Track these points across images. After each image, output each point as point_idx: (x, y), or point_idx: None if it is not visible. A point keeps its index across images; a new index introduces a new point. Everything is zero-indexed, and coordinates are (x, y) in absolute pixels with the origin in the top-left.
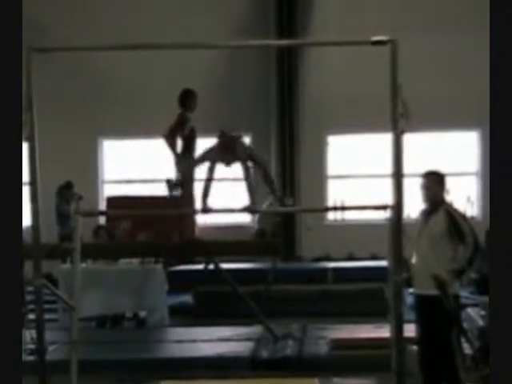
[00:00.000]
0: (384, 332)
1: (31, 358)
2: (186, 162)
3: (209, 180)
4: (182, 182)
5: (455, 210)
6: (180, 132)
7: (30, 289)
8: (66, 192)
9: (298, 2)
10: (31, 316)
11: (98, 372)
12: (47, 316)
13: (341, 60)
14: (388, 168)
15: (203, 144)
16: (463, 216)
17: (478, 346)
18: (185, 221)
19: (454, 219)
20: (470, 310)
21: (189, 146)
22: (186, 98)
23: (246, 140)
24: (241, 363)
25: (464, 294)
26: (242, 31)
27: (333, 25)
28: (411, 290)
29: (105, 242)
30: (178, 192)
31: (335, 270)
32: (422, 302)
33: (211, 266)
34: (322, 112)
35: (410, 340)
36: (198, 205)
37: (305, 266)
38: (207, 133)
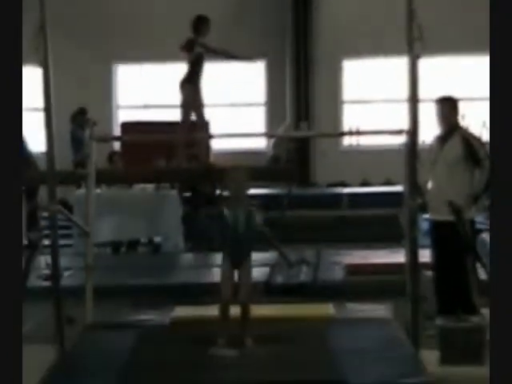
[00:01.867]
0: (399, 257)
1: (46, 283)
2: (191, 88)
3: None
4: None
5: (471, 135)
6: (186, 56)
7: (45, 215)
8: (80, 118)
9: None
10: (46, 242)
11: (113, 297)
12: (62, 242)
13: None
14: (404, 93)
15: (214, 68)
16: (479, 140)
17: None
18: (199, 146)
19: (470, 144)
20: (484, 236)
21: (194, 72)
22: (199, 24)
23: (262, 64)
24: (255, 289)
25: (478, 219)
26: None
27: None
28: (426, 216)
29: (119, 167)
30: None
31: (350, 195)
32: (437, 228)
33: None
34: (338, 36)
35: (424, 265)
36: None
37: (319, 191)
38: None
